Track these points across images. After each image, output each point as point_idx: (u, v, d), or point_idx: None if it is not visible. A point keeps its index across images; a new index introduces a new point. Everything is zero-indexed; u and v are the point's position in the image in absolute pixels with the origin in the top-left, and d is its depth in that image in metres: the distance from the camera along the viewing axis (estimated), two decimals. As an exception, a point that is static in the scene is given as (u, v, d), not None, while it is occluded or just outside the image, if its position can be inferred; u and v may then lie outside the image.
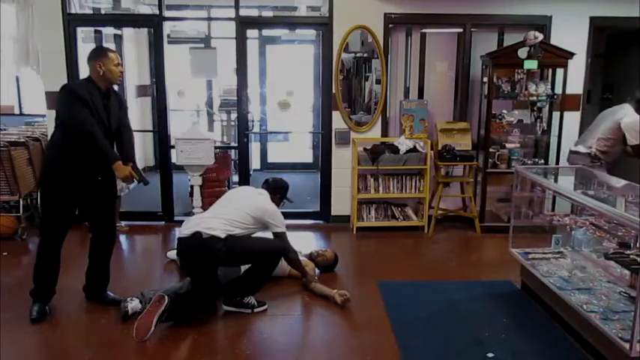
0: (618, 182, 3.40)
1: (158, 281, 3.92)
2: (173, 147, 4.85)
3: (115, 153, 3.15)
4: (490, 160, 4.99)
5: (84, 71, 3.49)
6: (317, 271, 3.93)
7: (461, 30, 5.12)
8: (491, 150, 5.00)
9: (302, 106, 7.36)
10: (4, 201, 4.76)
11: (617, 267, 3.03)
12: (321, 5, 5.31)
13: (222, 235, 3.14)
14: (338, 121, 5.14)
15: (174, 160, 4.97)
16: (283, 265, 3.70)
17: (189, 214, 4.68)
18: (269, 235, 3.48)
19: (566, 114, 4.97)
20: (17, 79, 6.81)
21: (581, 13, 5.07)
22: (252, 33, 6.30)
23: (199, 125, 5.84)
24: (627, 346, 2.45)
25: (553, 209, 4.62)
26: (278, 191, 3.69)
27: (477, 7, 5.00)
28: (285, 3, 6.48)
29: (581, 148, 4.55)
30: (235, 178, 5.68)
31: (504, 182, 5.04)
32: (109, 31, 6.33)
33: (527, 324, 3.22)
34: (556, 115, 4.99)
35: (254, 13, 6.06)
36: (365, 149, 5.00)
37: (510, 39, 5.03)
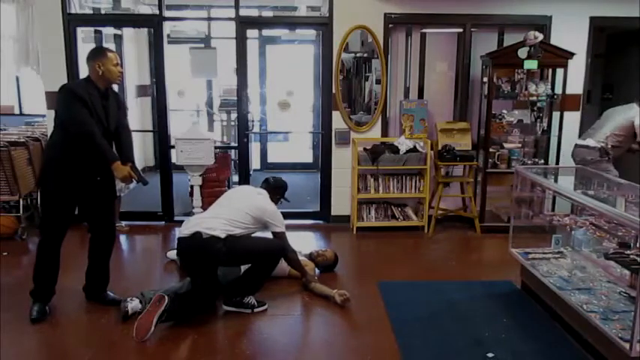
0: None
1: (158, 281, 3.92)
2: (173, 147, 4.85)
3: (114, 153, 3.15)
4: (490, 160, 4.99)
5: (84, 71, 3.49)
6: (317, 271, 3.93)
7: (461, 30, 5.12)
8: (491, 150, 5.00)
9: (302, 106, 7.36)
10: (4, 201, 4.77)
11: (617, 267, 3.02)
12: (321, 5, 5.31)
13: (222, 235, 3.14)
14: (338, 121, 5.14)
15: (174, 160, 4.97)
16: (283, 265, 3.70)
17: (189, 214, 4.68)
18: (269, 234, 3.48)
19: (566, 114, 4.97)
20: (17, 79, 6.81)
21: (581, 13, 5.07)
22: (252, 33, 6.30)
23: (199, 125, 5.84)
24: (627, 346, 2.45)
25: (553, 209, 4.63)
26: (278, 191, 3.69)
27: (477, 7, 5.00)
28: (285, 3, 6.48)
29: (591, 142, 4.59)
30: (235, 178, 5.68)
31: (504, 182, 5.04)
32: (109, 31, 6.34)
33: (527, 324, 3.22)
34: (556, 115, 4.99)
35: (254, 13, 6.06)
36: (365, 149, 5.00)
37: (510, 39, 5.03)
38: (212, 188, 5.20)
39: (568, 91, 4.95)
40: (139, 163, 6.87)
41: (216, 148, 4.82)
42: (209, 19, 6.69)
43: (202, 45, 7.25)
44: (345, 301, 3.41)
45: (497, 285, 3.83)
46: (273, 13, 6.38)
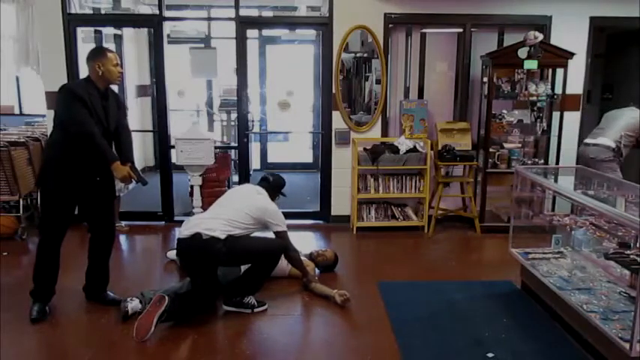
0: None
1: (158, 281, 3.92)
2: (173, 147, 4.86)
3: (113, 153, 3.15)
4: (490, 160, 4.99)
5: (84, 71, 3.49)
6: (317, 271, 3.93)
7: (461, 30, 5.12)
8: (491, 150, 5.00)
9: (302, 106, 7.37)
10: (4, 201, 4.77)
11: (617, 267, 3.02)
12: (321, 5, 5.31)
13: (222, 236, 3.14)
14: (338, 121, 5.14)
15: (174, 160, 4.97)
16: (283, 265, 3.70)
17: (189, 214, 4.68)
18: (268, 234, 3.48)
19: (566, 114, 4.97)
20: (17, 79, 6.81)
21: (581, 13, 5.07)
22: (252, 33, 6.30)
23: (199, 125, 5.85)
24: (627, 346, 2.45)
25: (553, 209, 4.63)
26: (277, 188, 3.69)
27: (477, 7, 5.00)
28: (285, 3, 6.48)
29: (604, 141, 4.64)
30: (235, 178, 5.68)
31: (504, 182, 5.04)
32: (109, 31, 6.34)
33: (527, 324, 3.22)
34: (556, 115, 4.99)
35: (254, 13, 6.06)
36: (365, 149, 5.00)
37: (510, 39, 5.03)
38: (212, 188, 5.20)
39: (568, 91, 4.95)
40: (139, 163, 6.88)
41: (216, 148, 4.82)
42: (209, 19, 6.69)
43: (202, 45, 7.25)
44: (346, 301, 3.41)
45: (497, 285, 3.83)
46: (273, 13, 6.38)
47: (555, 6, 5.04)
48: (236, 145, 5.55)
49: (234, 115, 6.48)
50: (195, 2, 6.43)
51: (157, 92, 5.24)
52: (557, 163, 5.02)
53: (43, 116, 5.50)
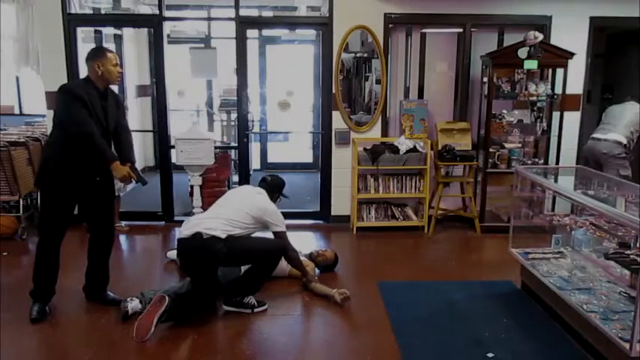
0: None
1: (158, 281, 3.92)
2: (173, 147, 4.85)
3: (112, 153, 3.15)
4: (490, 160, 4.99)
5: (84, 71, 3.49)
6: (317, 271, 3.93)
7: (461, 30, 5.12)
8: (491, 150, 5.00)
9: (302, 106, 7.37)
10: (4, 201, 4.77)
11: (617, 267, 3.02)
12: (321, 5, 5.31)
13: (223, 236, 3.14)
14: (338, 121, 5.14)
15: (174, 160, 4.97)
16: (283, 265, 3.70)
17: (189, 214, 4.68)
18: (268, 234, 3.48)
19: (566, 114, 4.97)
20: (17, 79, 6.82)
21: (581, 13, 5.07)
22: (252, 33, 6.30)
23: (199, 125, 5.84)
24: (627, 346, 2.45)
25: (553, 209, 4.63)
26: (276, 189, 3.69)
27: (477, 7, 5.00)
28: (285, 3, 6.48)
29: (615, 136, 4.70)
30: (235, 178, 5.68)
31: (504, 182, 5.04)
32: (109, 31, 6.34)
33: (527, 324, 3.22)
34: (556, 115, 4.99)
35: (254, 13, 6.06)
36: (365, 149, 5.00)
37: (510, 39, 5.03)
38: (212, 188, 5.20)
39: (568, 91, 4.95)
40: (139, 163, 6.88)
41: (216, 148, 4.82)
42: (209, 19, 6.69)
43: (202, 45, 7.25)
44: (345, 299, 3.41)
45: (497, 285, 3.83)
46: (273, 13, 6.38)
47: (555, 6, 5.04)
48: (236, 145, 5.55)
49: (234, 115, 6.48)
50: (195, 2, 6.44)
51: (157, 92, 5.24)
52: (557, 163, 5.02)
53: (43, 116, 5.50)
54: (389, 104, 5.28)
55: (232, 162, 5.85)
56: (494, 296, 3.63)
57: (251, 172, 6.15)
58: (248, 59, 5.18)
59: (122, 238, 4.89)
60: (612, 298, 2.92)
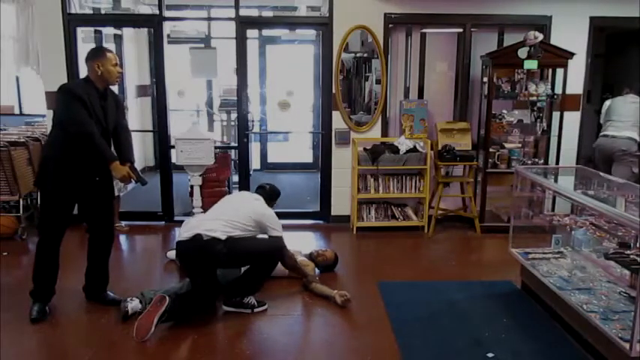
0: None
1: (158, 281, 3.92)
2: (173, 147, 4.85)
3: (112, 153, 3.15)
4: (490, 160, 4.99)
5: (84, 71, 3.49)
6: (317, 271, 3.93)
7: (461, 30, 5.12)
8: (491, 150, 5.00)
9: (302, 106, 7.36)
10: (4, 201, 4.77)
11: (617, 267, 3.02)
12: (321, 5, 5.31)
13: (223, 237, 3.14)
14: (338, 121, 5.14)
15: (174, 160, 4.97)
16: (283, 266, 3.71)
17: (189, 214, 4.68)
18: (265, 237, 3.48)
19: (566, 114, 4.97)
20: (17, 79, 6.82)
21: (581, 13, 5.08)
22: (252, 33, 6.30)
23: (199, 125, 5.84)
24: (627, 346, 2.45)
25: (553, 209, 4.63)
26: (273, 197, 3.71)
27: (477, 7, 5.00)
28: (285, 3, 6.48)
29: (628, 133, 4.77)
30: (235, 178, 5.68)
31: (504, 182, 5.04)
32: (109, 31, 6.34)
33: (527, 324, 3.22)
34: (556, 115, 4.99)
35: (254, 13, 6.06)
36: (365, 149, 5.00)
37: (510, 39, 5.03)
38: (212, 188, 5.20)
39: (568, 91, 4.95)
40: (139, 163, 6.88)
41: (216, 148, 4.82)
42: (209, 19, 6.69)
43: (202, 45, 7.25)
44: (346, 301, 3.41)
45: (497, 285, 3.83)
46: (273, 13, 6.38)
47: (555, 6, 5.04)
48: (236, 145, 5.55)
49: (234, 115, 6.48)
50: (195, 2, 6.43)
51: (157, 92, 5.23)
52: (557, 163, 5.02)
53: (43, 116, 5.50)
54: (389, 104, 5.28)
55: (232, 162, 5.85)
56: (494, 296, 3.63)
57: (251, 172, 6.16)
58: (248, 59, 5.18)
59: (122, 238, 4.89)
60: (612, 298, 2.91)
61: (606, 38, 6.36)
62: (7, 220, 4.69)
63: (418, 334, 3.09)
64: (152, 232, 5.13)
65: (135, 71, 7.25)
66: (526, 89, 4.96)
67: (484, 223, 5.05)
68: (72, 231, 3.31)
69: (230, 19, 5.06)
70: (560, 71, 4.96)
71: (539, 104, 5.04)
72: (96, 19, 5.54)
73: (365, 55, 5.72)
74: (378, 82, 5.25)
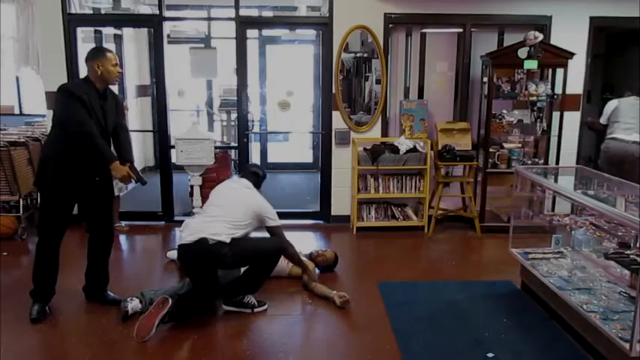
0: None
1: (158, 281, 3.92)
2: (173, 147, 4.85)
3: (112, 153, 3.15)
4: (490, 160, 4.99)
5: (84, 71, 3.49)
6: (317, 271, 3.93)
7: (461, 30, 5.12)
8: (491, 150, 5.00)
9: (302, 106, 7.36)
10: (4, 201, 4.77)
11: (617, 267, 3.03)
12: (321, 5, 5.31)
13: (227, 240, 3.13)
14: (338, 121, 5.14)
15: (174, 160, 4.97)
16: (283, 265, 3.71)
17: (189, 214, 4.68)
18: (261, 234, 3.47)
19: (566, 114, 4.97)
20: (17, 79, 6.82)
21: (581, 13, 5.07)
22: (252, 33, 6.30)
23: (199, 125, 5.83)
24: (627, 346, 2.45)
25: (553, 209, 4.63)
26: (262, 180, 3.67)
27: (477, 7, 5.00)
28: (285, 3, 6.48)
29: None
30: (235, 178, 5.67)
31: (504, 182, 5.04)
32: (109, 31, 6.34)
33: (527, 324, 3.22)
34: (556, 115, 4.99)
35: (254, 13, 6.06)
36: (365, 149, 5.00)
37: (510, 39, 5.03)
38: (212, 188, 5.17)
39: (568, 91, 4.95)
40: (139, 163, 6.88)
41: (216, 148, 4.82)
42: (209, 19, 6.69)
43: (202, 45, 7.25)
44: (345, 303, 3.41)
45: (497, 285, 3.83)
46: (273, 13, 6.39)
47: (555, 6, 5.04)
48: (236, 145, 5.55)
49: (234, 115, 6.49)
50: (195, 2, 6.44)
51: (156, 92, 5.24)
52: (557, 163, 5.02)
53: (43, 116, 5.50)
54: (389, 104, 5.28)
55: (232, 162, 5.86)
56: (494, 296, 3.63)
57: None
58: (248, 59, 5.18)
59: (122, 238, 4.89)
60: (612, 298, 2.92)
61: (606, 38, 6.36)
62: (7, 220, 4.69)
63: (418, 334, 3.09)
64: (152, 232, 5.13)
65: (135, 71, 7.25)
66: (526, 89, 4.96)
67: (484, 223, 5.05)
68: (72, 231, 3.32)
69: (230, 19, 5.06)
70: (560, 71, 4.96)
71: (539, 104, 5.04)
72: (96, 19, 5.54)
73: (365, 55, 5.72)
74: (378, 82, 5.25)
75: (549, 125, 5.04)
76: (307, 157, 8.01)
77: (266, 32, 7.17)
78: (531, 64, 4.77)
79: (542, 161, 5.07)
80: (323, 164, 5.32)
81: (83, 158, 3.08)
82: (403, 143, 4.98)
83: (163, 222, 5.30)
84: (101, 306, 3.37)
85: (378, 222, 5.11)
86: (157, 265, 4.29)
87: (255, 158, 7.49)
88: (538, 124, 5.05)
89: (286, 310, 3.45)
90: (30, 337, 3.07)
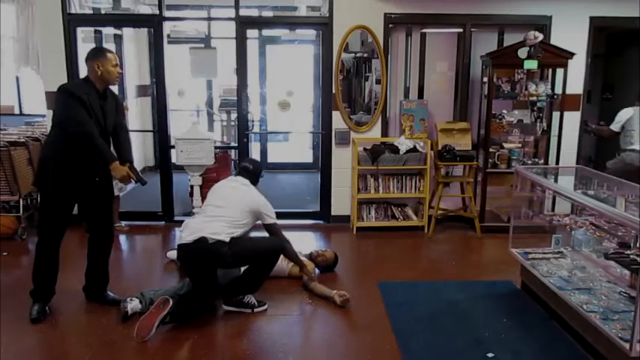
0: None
1: (158, 281, 3.92)
2: (173, 147, 4.85)
3: (112, 153, 3.15)
4: (490, 160, 4.99)
5: (84, 71, 3.49)
6: (317, 271, 3.93)
7: (461, 30, 5.12)
8: (491, 150, 5.00)
9: (302, 106, 7.36)
10: (4, 201, 4.77)
11: (617, 267, 3.03)
12: (321, 5, 5.31)
13: (227, 239, 3.14)
14: (338, 121, 5.14)
15: (174, 160, 4.97)
16: (283, 265, 3.71)
17: (189, 214, 4.68)
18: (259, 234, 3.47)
19: (566, 114, 4.97)
20: (17, 79, 6.82)
21: (581, 13, 5.07)
22: (252, 33, 6.30)
23: (199, 125, 5.84)
24: (627, 346, 2.45)
25: (553, 209, 4.63)
26: (258, 175, 3.62)
27: (477, 7, 5.00)
28: (285, 3, 6.49)
29: None
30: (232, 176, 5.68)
31: (504, 182, 5.04)
32: (109, 31, 6.34)
33: (527, 324, 3.22)
34: (556, 115, 4.99)
35: (254, 13, 6.06)
36: (365, 149, 5.00)
37: (510, 39, 5.03)
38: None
39: (568, 91, 4.95)
40: (140, 163, 6.89)
41: (216, 148, 4.82)
42: (209, 19, 6.69)
43: (202, 45, 7.25)
44: (345, 301, 3.41)
45: (497, 285, 3.83)
46: (273, 13, 6.39)
47: (555, 6, 5.04)
48: (236, 145, 5.55)
49: (234, 115, 6.48)
50: (195, 2, 6.44)
51: (157, 92, 5.24)
52: (557, 163, 5.02)
53: (43, 116, 5.50)
54: (389, 104, 5.28)
55: (232, 162, 5.85)
56: (494, 296, 3.63)
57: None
58: (248, 59, 5.18)
59: (122, 238, 4.89)
60: (612, 298, 2.92)
61: (606, 38, 6.36)
62: (7, 220, 4.69)
63: (418, 334, 3.09)
64: (152, 232, 5.13)
65: (135, 71, 7.24)
66: (526, 89, 4.96)
67: (484, 223, 5.05)
68: (72, 231, 3.31)
69: (230, 19, 5.06)
70: (560, 71, 4.96)
71: (539, 104, 5.04)
72: (96, 19, 5.54)
73: (365, 55, 5.72)
74: (378, 82, 5.25)
75: (549, 125, 5.04)
76: (307, 157, 8.02)
77: (266, 32, 7.17)
78: (531, 64, 4.77)
79: (542, 161, 5.07)
80: (323, 164, 5.32)
81: (83, 158, 3.08)
82: (403, 143, 4.98)
83: (163, 222, 5.30)
84: (101, 306, 3.37)
85: (378, 222, 5.11)
86: (157, 265, 4.29)
87: (255, 158, 7.49)
88: (538, 124, 5.05)
89: (286, 310, 3.45)
90: (30, 337, 3.07)
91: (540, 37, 4.69)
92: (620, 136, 5.11)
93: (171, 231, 5.07)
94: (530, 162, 5.07)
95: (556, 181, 3.83)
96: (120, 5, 5.88)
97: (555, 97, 4.98)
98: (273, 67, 7.54)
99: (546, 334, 3.11)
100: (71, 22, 4.90)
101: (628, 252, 2.90)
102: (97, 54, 3.16)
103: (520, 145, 5.15)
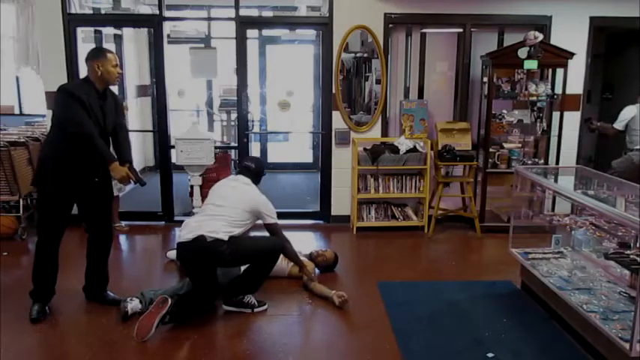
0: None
1: (158, 281, 3.92)
2: (173, 147, 4.85)
3: (111, 154, 3.15)
4: (490, 160, 4.99)
5: (84, 71, 3.49)
6: (317, 271, 3.93)
7: (461, 30, 5.12)
8: (491, 150, 5.00)
9: (302, 106, 7.36)
10: (4, 201, 4.77)
11: (617, 267, 3.03)
12: (321, 5, 5.31)
13: (225, 238, 3.14)
14: (338, 121, 5.14)
15: (174, 160, 4.97)
16: (283, 265, 3.71)
17: (189, 214, 4.68)
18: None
19: (566, 114, 4.97)
20: (17, 79, 6.82)
21: (581, 13, 5.07)
22: (252, 33, 6.30)
23: (199, 125, 5.84)
24: (627, 346, 2.45)
25: (553, 209, 4.63)
26: (260, 174, 3.61)
27: (477, 7, 5.00)
28: (285, 3, 6.49)
29: None
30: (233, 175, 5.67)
31: (504, 182, 5.04)
32: (109, 31, 6.34)
33: (527, 324, 3.22)
34: (556, 115, 4.99)
35: (254, 13, 6.07)
36: (365, 149, 5.00)
37: (510, 39, 5.03)
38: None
39: (568, 91, 4.95)
40: (139, 164, 6.89)
41: (216, 148, 4.82)
42: (209, 19, 6.69)
43: (202, 45, 7.25)
44: (343, 302, 3.41)
45: (497, 285, 3.83)
46: (273, 13, 6.39)
47: (555, 6, 5.04)
48: (236, 145, 5.55)
49: (234, 115, 6.49)
50: (195, 2, 6.44)
51: (157, 92, 5.24)
52: (557, 163, 5.02)
53: (43, 116, 5.50)
54: (389, 104, 5.28)
55: (232, 162, 5.86)
56: (494, 296, 3.63)
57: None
58: (248, 59, 5.18)
59: (122, 238, 4.89)
60: (612, 298, 2.92)
61: (606, 38, 6.35)
62: (7, 220, 4.69)
63: (418, 334, 3.09)
64: (152, 232, 5.13)
65: (135, 71, 7.25)
66: (526, 89, 4.96)
67: (484, 223, 5.05)
68: (72, 231, 3.32)
69: (230, 19, 5.06)
70: (560, 71, 4.96)
71: (539, 104, 5.04)
72: (96, 19, 5.54)
73: (365, 55, 5.72)
74: (378, 82, 5.25)
75: (549, 125, 5.04)
76: (307, 157, 8.02)
77: (266, 32, 7.18)
78: (531, 64, 4.77)
79: (542, 161, 5.07)
80: (323, 164, 5.32)
81: (82, 159, 3.08)
82: (403, 143, 4.98)
83: (163, 222, 5.30)
84: (101, 306, 3.37)
85: (378, 222, 5.11)
86: (157, 265, 4.29)
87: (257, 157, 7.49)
88: (538, 124, 5.05)
89: (286, 310, 3.45)
90: (30, 337, 3.07)
91: (540, 37, 4.69)
92: (625, 134, 5.11)
93: (171, 231, 5.07)
94: (530, 162, 5.07)
95: (556, 181, 3.83)
96: (120, 5, 5.88)
97: (555, 97, 4.98)
98: (273, 67, 7.54)
99: (546, 334, 3.11)
100: (71, 22, 4.90)
101: (628, 252, 2.90)
102: (97, 54, 3.16)
103: (520, 145, 5.15)
